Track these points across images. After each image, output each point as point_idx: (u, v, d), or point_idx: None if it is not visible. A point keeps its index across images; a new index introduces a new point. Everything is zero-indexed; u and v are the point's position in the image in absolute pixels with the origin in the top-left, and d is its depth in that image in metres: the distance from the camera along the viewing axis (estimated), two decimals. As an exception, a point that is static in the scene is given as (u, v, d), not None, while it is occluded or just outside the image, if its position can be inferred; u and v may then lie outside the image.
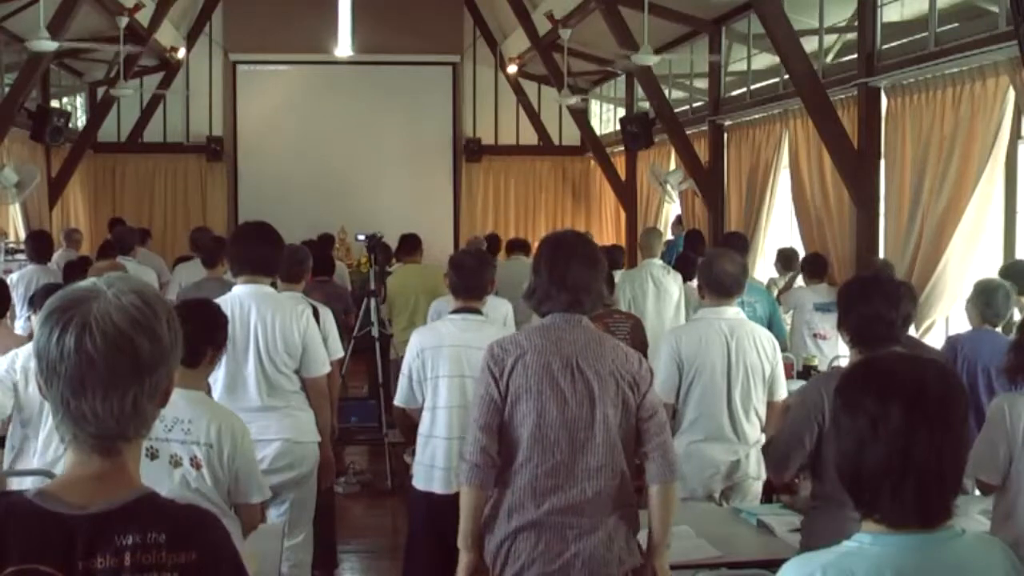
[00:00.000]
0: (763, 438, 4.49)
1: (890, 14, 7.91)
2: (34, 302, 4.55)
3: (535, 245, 10.20)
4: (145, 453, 3.00)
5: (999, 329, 5.26)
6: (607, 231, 15.16)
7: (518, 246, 9.81)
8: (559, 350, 3.06)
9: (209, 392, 4.19)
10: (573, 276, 3.10)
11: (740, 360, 4.37)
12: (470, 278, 4.30)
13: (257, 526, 3.26)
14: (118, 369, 1.51)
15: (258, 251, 4.46)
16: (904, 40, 7.67)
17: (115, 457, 1.56)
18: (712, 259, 4.58)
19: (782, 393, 4.54)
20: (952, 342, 5.11)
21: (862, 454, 1.74)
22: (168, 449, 3.08)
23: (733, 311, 4.48)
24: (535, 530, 3.03)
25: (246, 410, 4.06)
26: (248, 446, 3.21)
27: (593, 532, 3.03)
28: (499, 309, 5.86)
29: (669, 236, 11.95)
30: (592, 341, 3.10)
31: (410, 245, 8.65)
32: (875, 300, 3.30)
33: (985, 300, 5.10)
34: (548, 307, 3.14)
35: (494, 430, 3.06)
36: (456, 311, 4.31)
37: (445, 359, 4.17)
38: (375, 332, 7.83)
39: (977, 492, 4.38)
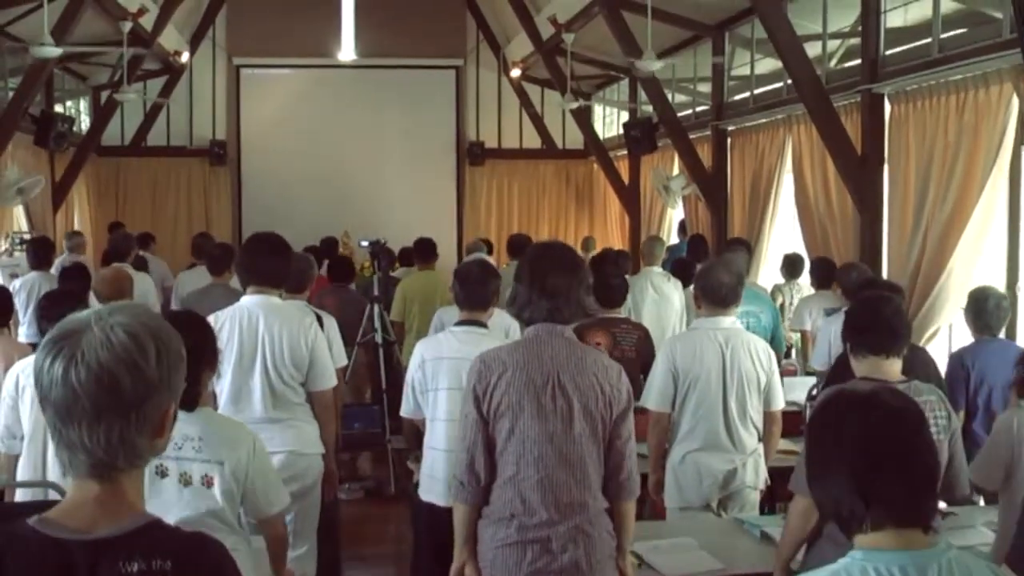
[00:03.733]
0: (760, 447, 4.51)
1: (894, 20, 7.90)
2: (41, 311, 4.55)
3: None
4: (154, 471, 3.00)
5: (1002, 335, 5.25)
6: (611, 235, 15.15)
7: (518, 250, 9.56)
8: (541, 365, 3.12)
9: (214, 401, 4.20)
10: (552, 283, 3.15)
11: (735, 369, 4.39)
12: (474, 290, 4.31)
13: (283, 537, 3.23)
14: (100, 403, 1.53)
15: (268, 263, 4.47)
16: (908, 46, 7.66)
17: (113, 483, 1.58)
18: (708, 269, 4.60)
19: (779, 403, 4.55)
20: (959, 358, 5.07)
21: (833, 483, 1.82)
22: (178, 468, 3.04)
23: (729, 321, 4.49)
24: (523, 543, 3.10)
25: (250, 422, 4.05)
26: (262, 458, 3.18)
27: (578, 544, 3.10)
28: (502, 322, 5.70)
29: (674, 240, 11.95)
30: (574, 354, 3.16)
31: (427, 250, 8.68)
32: (876, 306, 3.35)
33: (976, 310, 5.09)
34: (529, 314, 3.20)
35: (480, 448, 3.13)
36: (459, 323, 4.33)
37: (444, 371, 4.19)
38: (378, 338, 7.83)
39: (982, 502, 4.40)
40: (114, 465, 1.57)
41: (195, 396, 3.04)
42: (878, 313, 3.33)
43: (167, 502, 3.01)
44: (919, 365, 4.46)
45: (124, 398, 1.54)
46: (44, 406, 1.56)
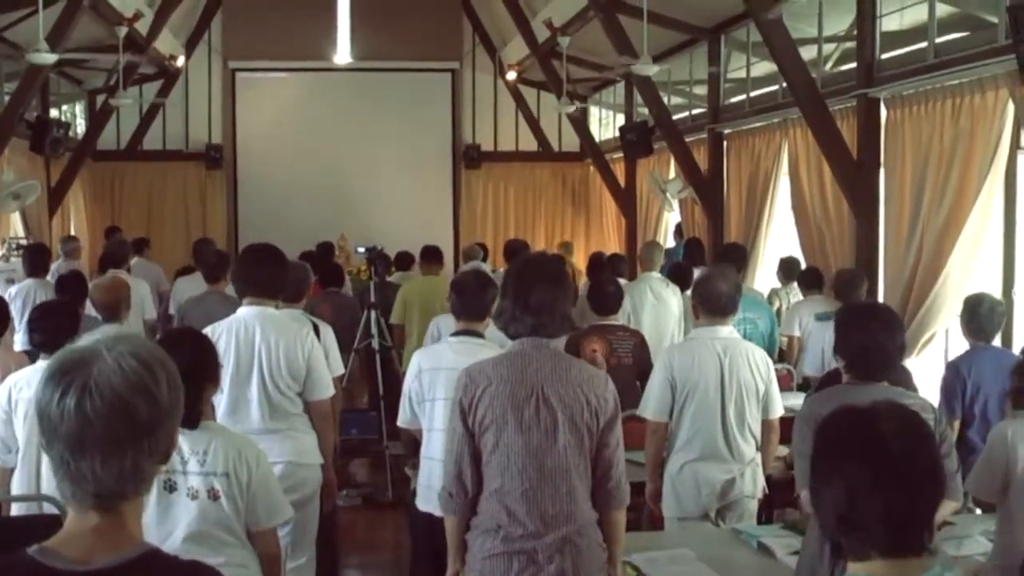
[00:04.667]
0: (758, 456, 4.51)
1: (889, 24, 7.91)
2: (32, 323, 4.54)
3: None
4: (163, 486, 3.02)
5: (997, 342, 5.24)
6: (608, 238, 15.15)
7: (515, 255, 9.44)
8: (524, 379, 3.14)
9: (213, 413, 4.20)
10: (537, 298, 3.17)
11: (733, 378, 4.40)
12: (471, 301, 4.31)
13: (274, 555, 3.21)
14: (117, 432, 1.53)
15: (265, 274, 4.48)
16: (903, 50, 7.66)
17: (114, 514, 1.58)
18: (706, 279, 4.59)
19: (777, 411, 4.56)
20: (955, 367, 5.06)
21: (833, 494, 1.81)
22: (186, 482, 3.05)
23: (727, 330, 4.50)
24: (509, 554, 3.13)
25: (248, 432, 4.04)
26: (265, 470, 3.18)
27: (564, 555, 3.12)
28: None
29: (670, 243, 11.95)
30: (558, 367, 3.18)
31: (433, 256, 8.76)
32: (879, 331, 3.29)
33: (968, 316, 5.08)
34: (514, 329, 3.23)
35: (467, 460, 3.17)
36: (456, 333, 4.33)
37: (442, 381, 4.19)
38: (375, 344, 7.83)
39: (979, 511, 4.40)
40: (123, 494, 1.57)
41: (198, 414, 3.04)
42: (879, 346, 3.28)
43: (177, 516, 3.02)
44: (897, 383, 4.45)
45: (139, 425, 1.55)
46: (51, 440, 1.54)
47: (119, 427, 1.53)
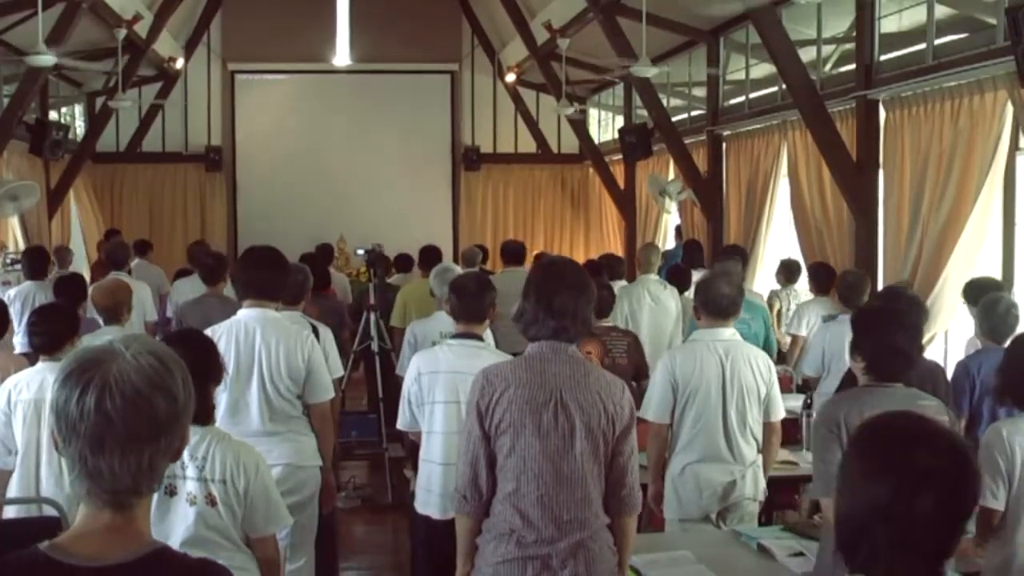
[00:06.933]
0: (759, 459, 4.51)
1: (888, 25, 7.92)
2: (31, 326, 4.53)
3: (532, 254, 10.01)
4: (164, 491, 3.01)
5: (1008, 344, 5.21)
6: (607, 240, 15.15)
7: (512, 257, 9.13)
8: (543, 383, 3.11)
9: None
10: (560, 302, 3.14)
11: (735, 380, 4.40)
12: (470, 303, 4.30)
13: (273, 560, 3.19)
14: (137, 428, 1.55)
15: (265, 276, 4.47)
16: (902, 52, 7.67)
17: (127, 512, 1.60)
18: (708, 281, 4.58)
19: (779, 413, 4.55)
20: (964, 365, 5.05)
21: (868, 522, 1.75)
22: (185, 487, 3.04)
23: (729, 332, 4.50)
24: (523, 559, 3.11)
25: (247, 435, 4.04)
26: (264, 477, 3.15)
27: (578, 560, 3.11)
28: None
29: (671, 245, 11.95)
30: (577, 372, 3.15)
31: (431, 258, 8.73)
32: (899, 333, 3.29)
33: (983, 314, 5.05)
34: (535, 332, 3.19)
35: (482, 463, 3.15)
36: (455, 336, 4.33)
37: (441, 385, 4.19)
38: (375, 347, 7.82)
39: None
40: (139, 491, 1.59)
41: (209, 409, 3.05)
42: (900, 349, 3.27)
43: (175, 521, 3.02)
44: (925, 376, 4.44)
45: (158, 422, 1.57)
46: (70, 438, 1.55)
47: (139, 424, 1.55)
